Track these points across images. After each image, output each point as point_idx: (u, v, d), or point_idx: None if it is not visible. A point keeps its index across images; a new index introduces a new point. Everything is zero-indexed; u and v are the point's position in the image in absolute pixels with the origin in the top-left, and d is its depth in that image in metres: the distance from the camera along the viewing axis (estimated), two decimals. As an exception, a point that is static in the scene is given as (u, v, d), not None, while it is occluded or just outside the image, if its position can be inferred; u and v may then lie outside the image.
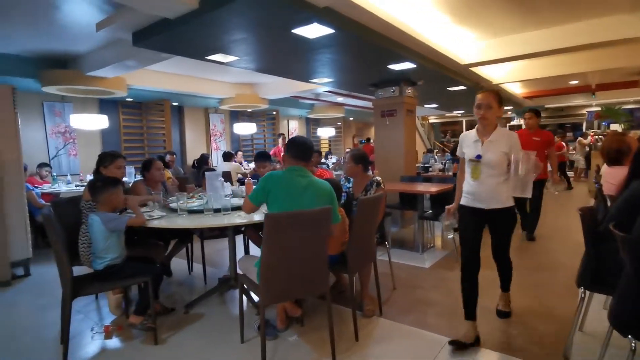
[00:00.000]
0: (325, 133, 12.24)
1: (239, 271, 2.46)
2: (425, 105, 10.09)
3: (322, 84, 6.18)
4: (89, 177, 4.37)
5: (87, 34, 4.26)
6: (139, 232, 2.83)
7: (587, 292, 2.14)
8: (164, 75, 6.61)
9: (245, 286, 2.28)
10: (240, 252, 3.49)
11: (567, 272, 3.39)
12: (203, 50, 3.85)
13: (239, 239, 3.70)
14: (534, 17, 4.32)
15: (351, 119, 13.94)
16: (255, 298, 2.76)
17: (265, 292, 1.97)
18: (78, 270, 2.35)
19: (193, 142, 9.31)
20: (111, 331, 2.49)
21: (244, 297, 2.74)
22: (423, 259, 4.02)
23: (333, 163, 9.27)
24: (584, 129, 14.14)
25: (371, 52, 4.21)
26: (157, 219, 2.48)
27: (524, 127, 4.60)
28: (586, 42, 4.48)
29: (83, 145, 7.31)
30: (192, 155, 8.86)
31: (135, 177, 5.43)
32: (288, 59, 4.46)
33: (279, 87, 7.67)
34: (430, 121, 17.15)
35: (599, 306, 2.62)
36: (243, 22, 3.09)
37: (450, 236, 3.70)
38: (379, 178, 3.10)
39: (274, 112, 10.89)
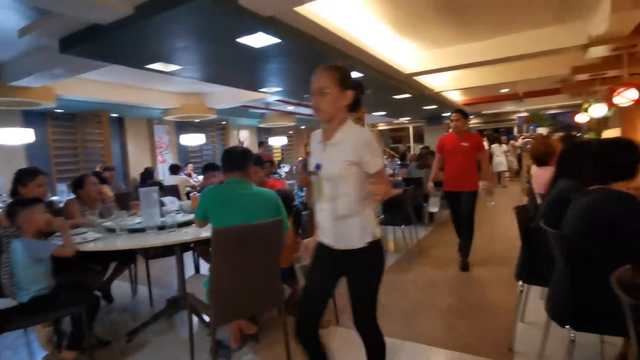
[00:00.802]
0: (278, 142, 12.16)
1: (188, 291, 2.32)
2: (373, 113, 10.41)
3: (271, 93, 6.14)
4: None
5: (9, 41, 3.86)
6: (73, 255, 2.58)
7: (526, 285, 2.29)
8: (100, 85, 6.17)
9: (194, 307, 2.15)
10: (190, 270, 3.31)
11: (507, 267, 3.62)
12: (140, 59, 3.65)
13: (189, 256, 3.51)
14: (468, 30, 4.63)
15: (303, 127, 14.00)
16: (207, 318, 2.62)
17: (216, 313, 1.87)
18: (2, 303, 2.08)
19: (136, 156, 8.78)
20: (41, 369, 2.22)
21: (195, 318, 2.59)
22: (377, 264, 4.08)
23: (286, 172, 9.22)
24: (515, 133, 15.43)
25: (318, 61, 4.21)
26: (93, 241, 2.28)
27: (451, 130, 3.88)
28: (514, 54, 4.90)
29: (4, 162, 6.55)
30: (135, 170, 8.34)
31: (68, 196, 4.98)
32: (235, 68, 4.37)
33: (227, 96, 7.49)
34: (380, 128, 17.73)
35: (537, 297, 2.81)
36: (184, 30, 2.98)
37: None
38: None
39: (223, 122, 10.63)
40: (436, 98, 8.16)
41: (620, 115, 8.63)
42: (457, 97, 10.17)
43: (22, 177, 2.61)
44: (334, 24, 3.63)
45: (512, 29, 4.67)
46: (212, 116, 8.27)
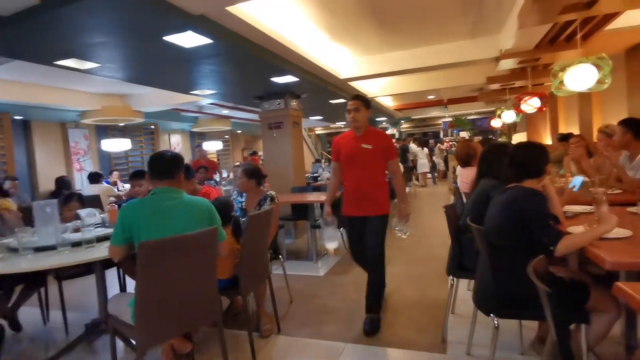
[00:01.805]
0: (212, 147, 11.69)
1: (111, 312, 2.09)
2: (310, 117, 10.51)
3: (204, 96, 5.88)
4: None
5: None
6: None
7: (455, 279, 2.45)
8: (1, 84, 5.39)
9: (118, 330, 1.94)
10: (114, 290, 3.00)
11: (439, 263, 3.85)
12: (49, 55, 3.25)
13: (113, 274, 3.18)
14: (397, 39, 4.88)
15: (239, 131, 13.65)
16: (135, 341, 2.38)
17: (143, 335, 1.70)
18: None
19: (47, 164, 7.77)
20: None
21: (121, 342, 2.34)
22: (317, 267, 4.09)
23: (222, 178, 8.88)
24: (441, 136, 16.69)
25: (253, 64, 4.17)
26: (-11, 263, 1.94)
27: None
28: (436, 63, 5.28)
29: None
30: (46, 179, 7.41)
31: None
32: (163, 68, 4.10)
33: (156, 98, 7.01)
34: (317, 132, 17.97)
35: (466, 289, 3.02)
36: (101, 23, 2.70)
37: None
38: (272, 192, 3.04)
39: (152, 127, 9.94)
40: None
41: (526, 120, 9.78)
42: (389, 103, 10.69)
43: None
44: (269, 26, 3.58)
45: (435, 41, 5.03)
46: (139, 120, 7.67)
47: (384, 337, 2.50)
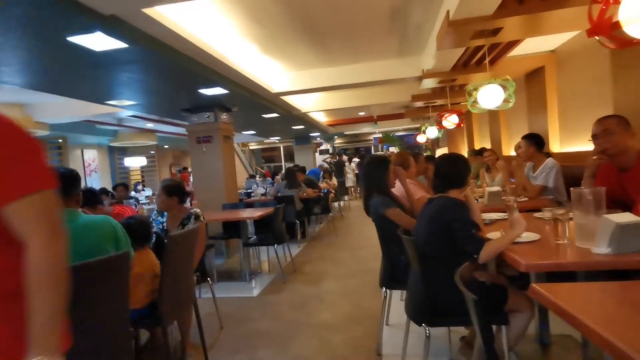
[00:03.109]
0: (135, 163, 10.80)
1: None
2: (243, 132, 10.26)
3: (123, 107, 5.39)
4: None
5: None
6: None
7: (388, 291, 2.45)
8: None
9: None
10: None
11: (374, 275, 3.90)
12: None
13: None
14: (327, 55, 4.98)
15: (166, 146, 12.84)
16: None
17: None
18: None
19: None
20: None
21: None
22: (251, 288, 3.88)
23: (146, 196, 8.20)
24: (372, 151, 17.44)
25: (177, 73, 3.91)
26: None
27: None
28: (364, 80, 5.49)
29: None
30: None
31: None
32: (70, 74, 3.65)
33: (64, 108, 6.24)
34: (251, 147, 17.65)
35: (399, 300, 3.06)
36: (-14, 18, 2.31)
37: None
38: (197, 210, 2.82)
39: (60, 140, 8.86)
40: (303, 118, 8.55)
41: (447, 136, 10.63)
42: (322, 118, 10.89)
43: None
44: (194, 34, 3.39)
45: (364, 58, 5.23)
46: (43, 132, 6.76)
47: (319, 356, 2.40)
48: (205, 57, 3.71)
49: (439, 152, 11.62)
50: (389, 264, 2.37)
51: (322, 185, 7.72)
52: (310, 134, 12.47)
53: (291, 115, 7.71)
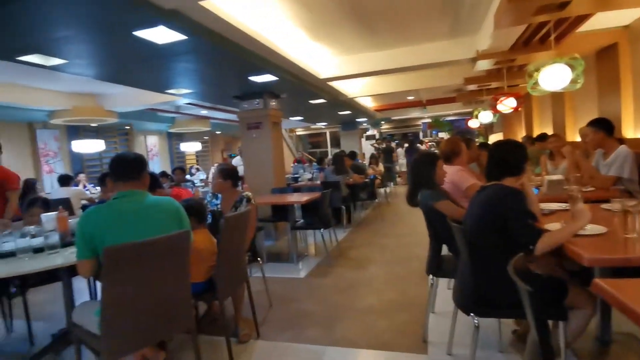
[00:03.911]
0: (191, 148, 11.43)
1: (76, 321, 1.96)
2: (290, 118, 10.42)
3: (180, 95, 5.71)
4: None
5: None
6: None
7: (435, 278, 2.43)
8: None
9: (84, 341, 1.81)
10: (85, 298, 2.84)
11: (419, 262, 3.86)
12: (11, 49, 3.05)
13: (83, 280, 3.02)
14: (376, 39, 4.88)
15: (218, 132, 13.42)
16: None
17: (109, 345, 1.59)
18: None
19: (13, 166, 7.37)
20: None
21: (89, 353, 2.20)
22: (298, 270, 4.02)
23: (201, 180, 8.69)
24: (421, 137, 16.90)
25: (230, 62, 4.06)
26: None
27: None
28: (415, 64, 5.30)
29: None
30: (13, 182, 7.04)
31: None
32: (135, 65, 3.94)
33: (130, 98, 6.77)
34: (298, 133, 17.89)
35: (445, 288, 3.02)
36: (65, 15, 2.55)
37: None
38: (249, 193, 2.96)
39: (127, 127, 9.62)
40: (350, 104, 8.49)
41: (502, 121, 10.01)
42: (369, 103, 10.73)
43: None
44: (245, 24, 3.49)
45: (414, 41, 5.05)
46: (113, 120, 7.39)
47: (365, 339, 2.45)
48: (256, 45, 3.81)
49: (493, 138, 10.99)
50: (437, 253, 2.34)
51: (369, 171, 7.68)
52: (357, 119, 12.36)
53: (338, 101, 7.69)
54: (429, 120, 16.18)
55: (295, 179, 7.58)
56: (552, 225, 1.84)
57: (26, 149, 7.73)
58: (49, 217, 2.16)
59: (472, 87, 7.59)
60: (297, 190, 5.55)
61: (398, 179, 12.23)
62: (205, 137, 12.88)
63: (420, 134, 17.36)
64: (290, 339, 2.51)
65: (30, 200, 3.11)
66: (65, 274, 2.31)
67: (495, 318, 2.16)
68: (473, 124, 9.20)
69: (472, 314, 1.77)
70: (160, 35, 2.95)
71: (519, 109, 5.58)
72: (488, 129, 11.84)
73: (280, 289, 3.44)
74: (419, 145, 13.44)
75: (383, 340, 2.43)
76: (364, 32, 4.54)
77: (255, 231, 3.12)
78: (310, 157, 15.78)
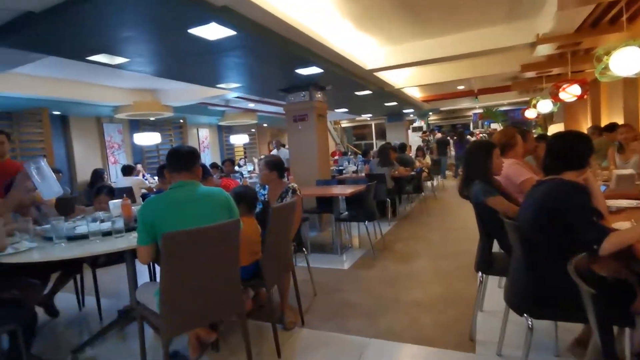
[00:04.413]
0: (239, 140, 11.86)
1: (139, 300, 2.14)
2: (335, 110, 10.41)
3: (230, 89, 5.93)
4: None
5: None
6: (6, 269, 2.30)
7: (484, 276, 2.33)
8: (39, 80, 5.65)
9: (146, 318, 1.98)
10: (145, 278, 3.09)
11: (467, 258, 3.71)
12: (81, 50, 3.35)
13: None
14: (424, 27, 4.70)
15: (265, 125, 13.76)
16: (162, 328, 2.44)
17: (168, 324, 1.72)
18: None
19: (84, 157, 8.17)
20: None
21: (150, 329, 2.40)
22: (342, 261, 4.05)
23: (249, 171, 8.99)
24: (471, 128, 16.11)
25: (277, 55, 4.14)
26: (25, 252, 2.03)
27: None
28: (467, 52, 5.04)
29: None
30: (83, 172, 7.77)
31: None
32: (188, 62, 4.15)
33: (183, 93, 7.16)
34: (343, 125, 17.83)
35: (495, 286, 2.89)
36: (127, 18, 2.75)
37: None
38: (294, 185, 3.03)
39: (181, 120, 10.19)
40: (397, 94, 8.29)
41: (564, 110, 9.25)
42: (416, 94, 10.41)
43: None
44: (293, 17, 3.52)
45: (465, 27, 4.80)
46: (168, 114, 7.88)
47: (409, 333, 2.43)
48: (303, 38, 3.84)
49: (552, 129, 10.19)
50: (487, 249, 2.25)
51: (415, 164, 7.49)
52: (403, 111, 12.05)
53: (384, 92, 7.55)
54: (480, 110, 15.37)
55: (340, 171, 7.59)
56: (621, 224, 1.69)
57: (95, 141, 8.48)
58: (115, 205, 2.36)
59: (530, 74, 7.09)
60: (342, 182, 5.56)
61: (447, 172, 11.82)
62: (252, 130, 13.27)
63: (471, 125, 16.55)
64: (334, 329, 2.55)
65: (98, 188, 3.43)
66: (129, 256, 2.53)
67: (551, 320, 2.03)
68: (530, 114, 8.58)
69: (525, 315, 1.69)
70: (212, 31, 3.07)
71: (585, 97, 5.11)
72: (547, 119, 10.99)
73: (324, 279, 3.49)
74: (469, 137, 12.85)
75: (428, 335, 2.39)
76: (412, 20, 4.40)
77: (301, 222, 3.19)
78: (354, 149, 15.70)
